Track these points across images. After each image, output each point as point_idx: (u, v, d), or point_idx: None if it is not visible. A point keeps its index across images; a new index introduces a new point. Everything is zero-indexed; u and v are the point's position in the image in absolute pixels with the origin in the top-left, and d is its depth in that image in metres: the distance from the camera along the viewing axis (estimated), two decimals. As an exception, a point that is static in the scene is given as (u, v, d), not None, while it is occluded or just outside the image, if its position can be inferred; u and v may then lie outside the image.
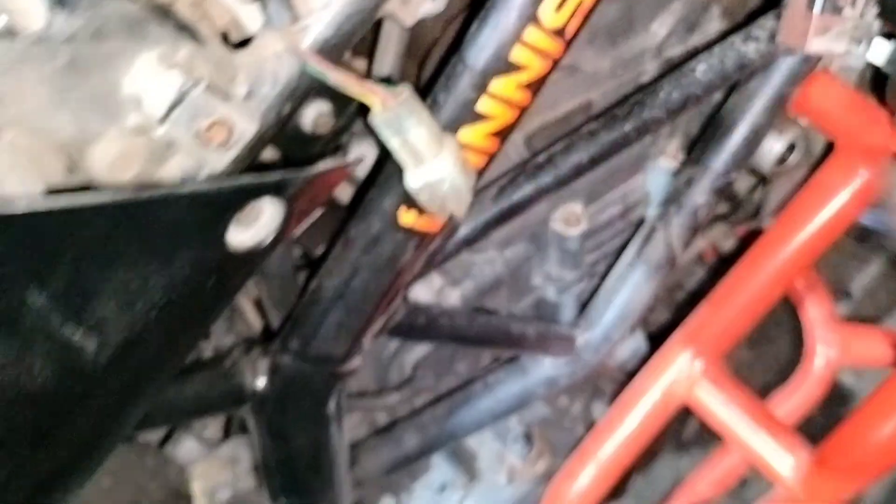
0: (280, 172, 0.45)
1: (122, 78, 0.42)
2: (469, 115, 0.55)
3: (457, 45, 0.56)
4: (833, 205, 0.74)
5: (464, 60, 0.54)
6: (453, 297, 0.78)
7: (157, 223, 0.40)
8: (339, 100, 0.58)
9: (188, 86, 0.42)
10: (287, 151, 0.58)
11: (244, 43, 0.49)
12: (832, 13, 0.54)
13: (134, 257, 0.40)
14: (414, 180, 0.51)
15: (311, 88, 0.50)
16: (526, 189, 0.70)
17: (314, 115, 0.57)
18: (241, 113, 0.45)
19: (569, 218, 0.80)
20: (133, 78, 0.42)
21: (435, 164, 0.50)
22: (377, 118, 0.48)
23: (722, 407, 0.80)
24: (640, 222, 0.85)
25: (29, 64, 0.38)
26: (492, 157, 0.59)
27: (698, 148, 0.78)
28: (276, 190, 0.44)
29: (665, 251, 0.78)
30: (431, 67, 0.65)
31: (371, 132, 0.55)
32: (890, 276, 1.36)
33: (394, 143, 0.50)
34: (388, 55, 0.63)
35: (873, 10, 0.57)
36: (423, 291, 0.78)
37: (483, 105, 0.54)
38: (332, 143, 0.62)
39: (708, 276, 1.09)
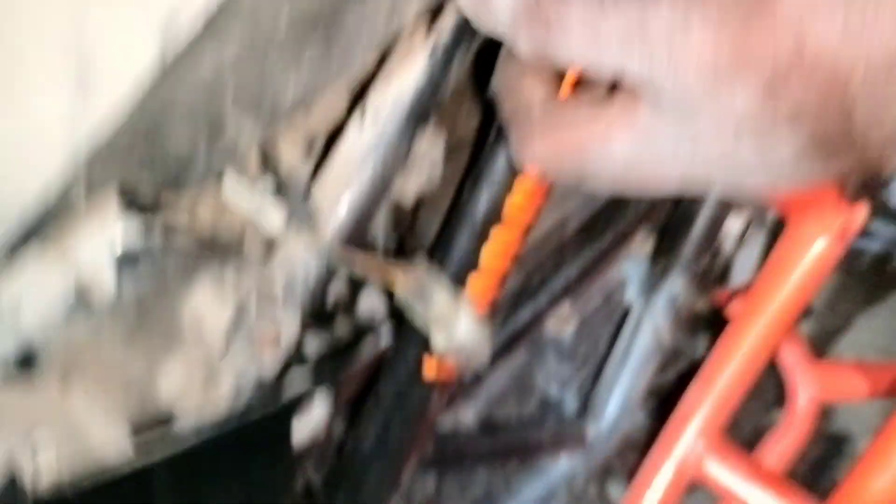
0: (327, 365, 0.49)
1: (182, 310, 0.46)
2: (474, 265, 0.60)
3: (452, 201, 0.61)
4: (797, 275, 0.80)
5: (462, 219, 0.60)
6: (468, 417, 0.82)
7: (235, 449, 0.43)
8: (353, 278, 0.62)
9: (242, 306, 0.46)
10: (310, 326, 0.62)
11: (270, 247, 0.54)
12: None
13: (212, 486, 0.43)
14: (440, 344, 0.55)
15: (333, 276, 0.55)
16: (525, 314, 0.75)
17: (335, 294, 0.61)
18: (286, 317, 0.49)
19: (560, 320, 0.86)
20: (191, 311, 0.46)
21: (457, 326, 0.55)
22: (401, 296, 0.53)
23: (730, 479, 0.85)
24: (623, 304, 0.91)
25: (104, 330, 0.42)
26: (496, 300, 0.64)
27: (667, 237, 0.85)
28: (327, 384, 0.48)
29: (654, 339, 0.84)
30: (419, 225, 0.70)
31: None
32: (848, 286, 1.42)
33: (417, 313, 0.54)
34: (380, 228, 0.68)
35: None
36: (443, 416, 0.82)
37: (486, 254, 0.60)
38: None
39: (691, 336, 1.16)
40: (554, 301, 0.76)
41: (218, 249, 0.47)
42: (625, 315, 0.91)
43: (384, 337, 0.58)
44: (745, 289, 0.95)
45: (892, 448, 0.74)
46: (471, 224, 0.59)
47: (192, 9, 0.35)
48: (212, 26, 0.37)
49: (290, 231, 0.53)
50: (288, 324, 0.48)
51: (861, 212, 0.75)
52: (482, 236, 0.59)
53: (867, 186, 0.70)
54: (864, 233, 1.22)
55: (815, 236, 0.79)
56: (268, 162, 0.51)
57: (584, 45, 0.36)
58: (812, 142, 0.32)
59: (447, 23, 0.51)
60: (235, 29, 0.38)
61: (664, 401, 0.93)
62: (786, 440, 1.17)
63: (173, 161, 0.42)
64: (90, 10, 0.35)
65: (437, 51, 0.51)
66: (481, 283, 0.61)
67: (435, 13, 0.51)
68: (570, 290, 0.86)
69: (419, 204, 0.70)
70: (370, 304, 0.69)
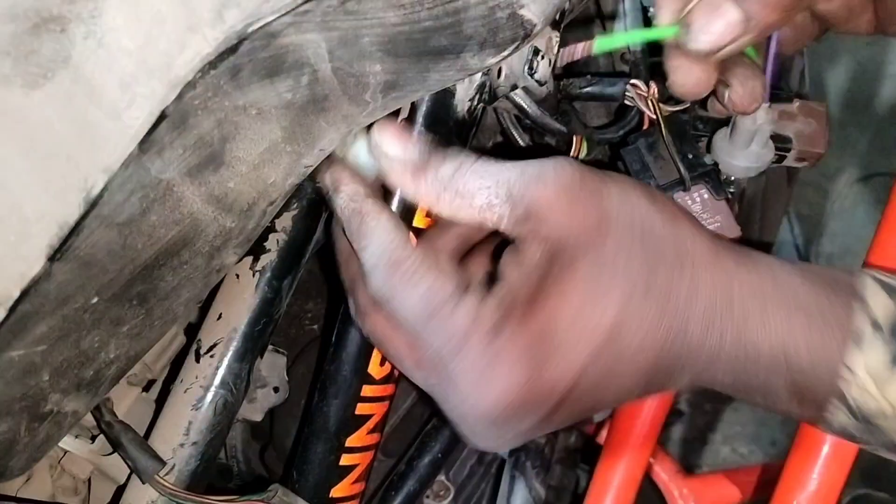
0: None
1: None
2: (336, 473, 0.60)
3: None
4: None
5: (316, 431, 0.60)
6: None
7: None
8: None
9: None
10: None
11: (116, 497, 0.53)
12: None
13: None
14: (307, 562, 0.55)
15: (189, 515, 0.53)
16: (400, 497, 0.75)
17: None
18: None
19: (438, 491, 0.86)
20: None
21: (323, 543, 0.55)
22: (261, 525, 0.52)
23: None
24: (497, 457, 0.92)
25: None
26: (364, 493, 0.64)
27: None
28: None
29: (529, 494, 0.86)
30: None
31: None
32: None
33: (280, 539, 0.54)
34: (238, 443, 0.68)
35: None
36: None
37: (344, 461, 0.60)
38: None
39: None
40: (428, 478, 0.77)
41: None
42: (500, 468, 0.92)
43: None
44: (610, 416, 0.99)
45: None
46: (325, 435, 0.59)
47: (-6, 318, 0.36)
48: (15, 329, 0.37)
49: (133, 478, 0.53)
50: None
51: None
52: (338, 447, 0.59)
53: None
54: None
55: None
56: (102, 415, 0.51)
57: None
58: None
59: (271, 258, 0.54)
60: (42, 327, 0.38)
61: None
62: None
63: (-6, 452, 0.41)
64: None
65: (264, 284, 0.53)
66: (344, 490, 0.61)
67: (257, 252, 0.54)
68: (442, 462, 0.87)
69: (273, 415, 0.70)
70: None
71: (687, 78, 0.47)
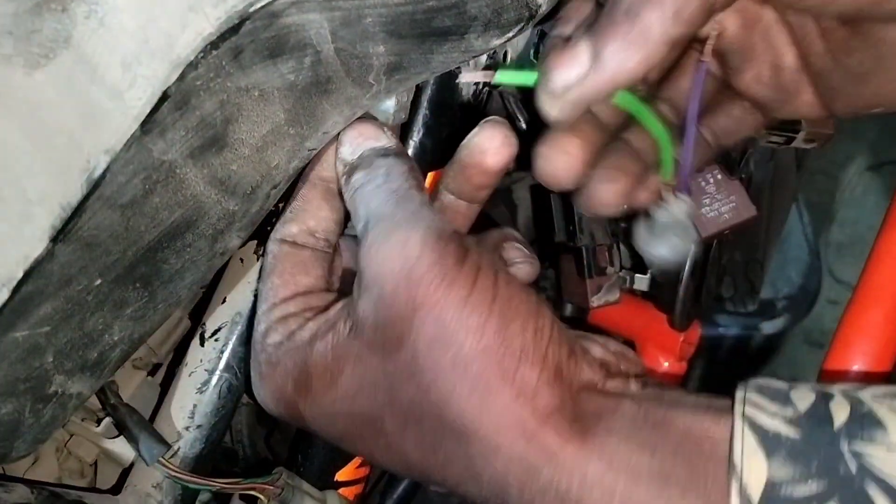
0: None
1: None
2: (341, 457, 0.61)
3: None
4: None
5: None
6: None
7: None
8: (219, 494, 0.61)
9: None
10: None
11: (122, 480, 0.53)
12: (599, 275, 0.67)
13: None
14: (312, 547, 0.55)
15: (195, 498, 0.54)
16: (404, 482, 0.75)
17: (201, 508, 0.60)
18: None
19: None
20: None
21: (327, 527, 0.55)
22: (265, 508, 0.52)
23: None
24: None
25: None
26: (369, 478, 0.64)
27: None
28: None
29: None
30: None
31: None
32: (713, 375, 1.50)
33: (285, 522, 0.54)
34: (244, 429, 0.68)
35: (626, 261, 0.71)
36: None
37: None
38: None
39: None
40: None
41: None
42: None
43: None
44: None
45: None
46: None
47: (-3, 298, 0.36)
48: (19, 310, 0.37)
49: (138, 461, 0.53)
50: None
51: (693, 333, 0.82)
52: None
53: (690, 315, 0.76)
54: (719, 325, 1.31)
55: (659, 357, 0.85)
56: (107, 397, 0.51)
57: None
58: None
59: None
60: (46, 308, 0.38)
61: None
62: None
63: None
64: None
65: (268, 268, 0.53)
66: (349, 473, 0.61)
67: (261, 236, 0.54)
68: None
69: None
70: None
71: (547, 166, 0.44)
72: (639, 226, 0.59)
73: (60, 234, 0.36)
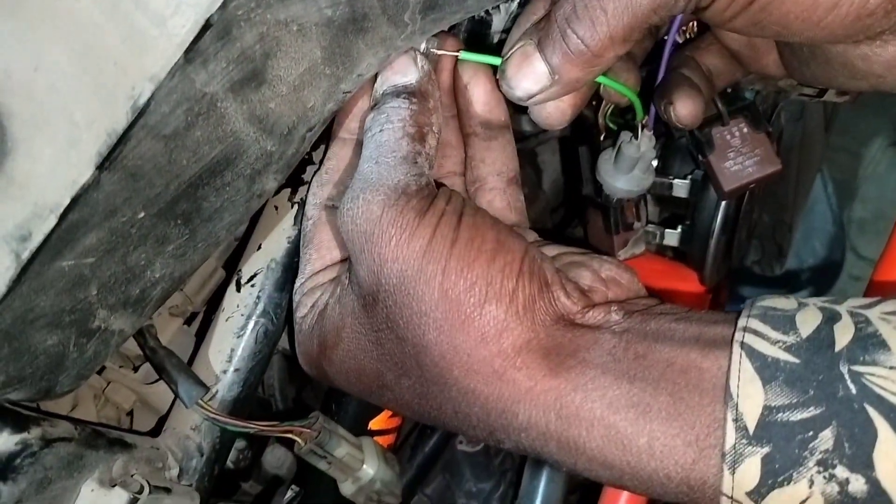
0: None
1: (70, 511, 0.44)
2: (373, 405, 0.61)
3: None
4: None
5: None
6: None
7: None
8: (254, 437, 0.62)
9: (132, 497, 0.45)
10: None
11: (158, 426, 0.54)
12: (626, 230, 0.67)
13: None
14: (347, 489, 0.55)
15: (233, 441, 0.54)
16: (435, 436, 0.76)
17: (234, 455, 0.61)
18: (182, 497, 0.48)
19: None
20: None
21: (362, 470, 0.55)
22: (303, 451, 0.53)
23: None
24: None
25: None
26: (401, 428, 0.65)
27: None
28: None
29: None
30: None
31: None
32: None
33: (322, 465, 0.54)
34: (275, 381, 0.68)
35: (654, 216, 0.71)
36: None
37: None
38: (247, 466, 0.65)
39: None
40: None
41: (102, 442, 0.46)
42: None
43: (290, 491, 0.57)
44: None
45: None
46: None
47: (43, 225, 0.36)
48: (66, 238, 0.38)
49: (177, 403, 0.53)
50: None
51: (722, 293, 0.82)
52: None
53: (720, 271, 0.76)
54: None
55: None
56: (146, 340, 0.51)
57: None
58: None
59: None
60: (91, 238, 0.39)
61: (584, 497, 0.94)
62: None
63: (43, 365, 0.41)
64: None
65: (302, 216, 0.54)
66: (382, 422, 0.62)
67: (295, 184, 0.54)
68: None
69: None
70: (279, 455, 0.69)
71: (541, 111, 0.47)
72: (604, 159, 0.59)
73: (106, 162, 0.37)
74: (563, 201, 0.84)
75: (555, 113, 0.47)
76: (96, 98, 0.36)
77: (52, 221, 0.36)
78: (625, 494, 0.80)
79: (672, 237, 0.73)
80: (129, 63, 0.36)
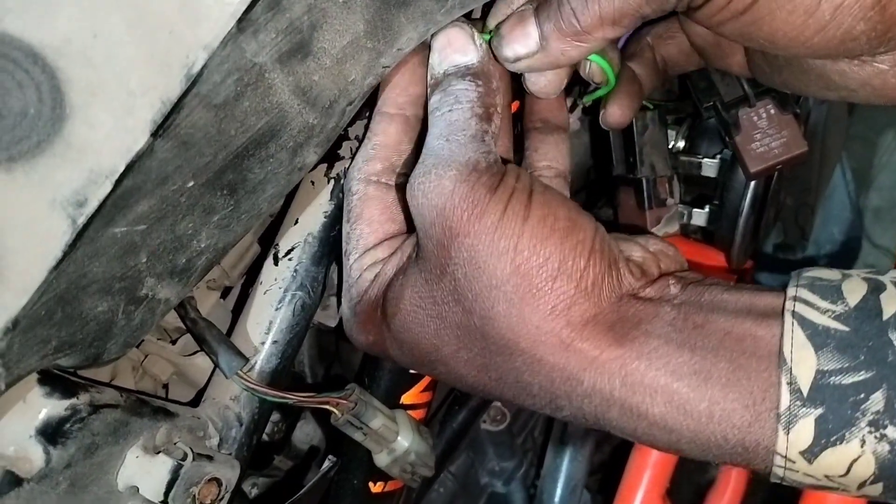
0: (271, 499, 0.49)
1: (116, 478, 0.45)
2: (405, 380, 0.62)
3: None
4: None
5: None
6: (420, 527, 0.82)
7: None
8: (289, 409, 0.63)
9: (176, 464, 0.46)
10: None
11: (196, 399, 0.54)
12: (659, 206, 0.68)
13: None
14: (382, 461, 0.56)
15: (271, 412, 0.55)
16: (462, 413, 0.77)
17: (270, 427, 0.62)
18: (224, 465, 0.49)
19: (495, 416, 0.88)
20: (125, 474, 0.45)
21: (397, 442, 0.56)
22: (339, 422, 0.54)
23: None
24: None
25: (35, 501, 0.41)
26: (431, 404, 0.65)
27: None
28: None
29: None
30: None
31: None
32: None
33: (358, 436, 0.55)
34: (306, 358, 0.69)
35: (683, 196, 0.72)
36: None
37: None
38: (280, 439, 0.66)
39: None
40: (486, 402, 0.78)
41: (146, 410, 0.47)
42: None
43: (327, 461, 0.58)
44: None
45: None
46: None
47: (99, 191, 0.37)
48: (119, 204, 0.38)
49: (217, 374, 0.54)
50: (225, 472, 0.48)
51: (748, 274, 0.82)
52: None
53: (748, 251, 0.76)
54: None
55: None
56: (186, 312, 0.52)
57: None
58: None
59: (345, 165, 0.55)
60: (143, 205, 0.39)
61: (605, 478, 0.95)
62: (726, 495, 1.20)
63: (93, 331, 0.42)
64: None
65: (338, 190, 0.54)
66: (414, 397, 0.62)
67: (332, 159, 0.55)
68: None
69: (338, 333, 0.71)
70: (307, 431, 0.69)
71: (538, 80, 0.49)
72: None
73: (160, 130, 0.37)
74: (584, 185, 0.84)
75: (554, 80, 0.49)
76: (152, 66, 0.36)
77: (107, 187, 0.37)
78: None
79: (700, 217, 0.73)
80: (184, 32, 0.36)
